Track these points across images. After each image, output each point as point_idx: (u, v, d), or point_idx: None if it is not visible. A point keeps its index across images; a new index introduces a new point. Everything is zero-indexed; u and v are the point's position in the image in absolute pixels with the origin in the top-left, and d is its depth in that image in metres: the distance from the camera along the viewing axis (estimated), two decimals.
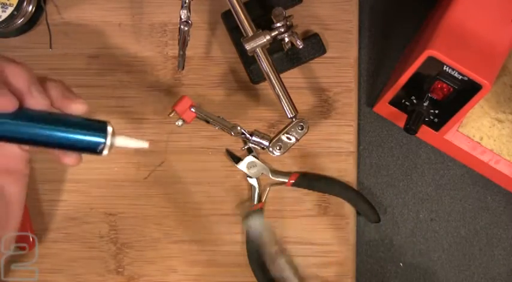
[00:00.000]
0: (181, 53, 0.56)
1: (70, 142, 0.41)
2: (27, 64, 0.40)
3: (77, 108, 0.41)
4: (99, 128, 0.42)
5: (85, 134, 0.41)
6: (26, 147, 0.44)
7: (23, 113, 0.40)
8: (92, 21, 0.61)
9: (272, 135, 0.56)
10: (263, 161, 0.61)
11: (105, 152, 0.42)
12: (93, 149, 0.42)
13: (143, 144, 0.44)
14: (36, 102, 0.39)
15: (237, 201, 0.61)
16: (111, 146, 0.42)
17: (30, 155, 0.45)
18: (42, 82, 0.40)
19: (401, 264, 0.63)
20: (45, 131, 0.40)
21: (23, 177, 0.45)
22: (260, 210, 0.46)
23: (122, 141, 0.43)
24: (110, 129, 0.42)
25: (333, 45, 0.61)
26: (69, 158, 0.43)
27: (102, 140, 0.41)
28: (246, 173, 0.60)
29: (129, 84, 0.61)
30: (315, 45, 0.60)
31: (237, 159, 0.60)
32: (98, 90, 0.61)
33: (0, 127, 0.39)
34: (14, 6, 0.58)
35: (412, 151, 0.63)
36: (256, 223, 0.46)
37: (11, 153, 0.43)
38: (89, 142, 0.41)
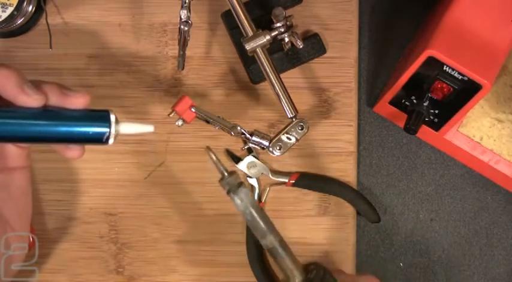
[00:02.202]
0: (181, 53, 0.56)
1: (74, 136, 0.41)
2: (15, 66, 0.40)
3: (78, 102, 0.41)
4: (102, 117, 0.41)
5: (88, 126, 0.41)
6: (23, 144, 0.44)
7: (22, 113, 0.40)
8: (92, 21, 0.61)
9: (272, 135, 0.56)
10: (263, 161, 0.61)
11: (111, 140, 0.42)
12: (99, 140, 0.41)
13: (148, 128, 0.43)
14: (32, 99, 0.39)
15: None
16: (116, 134, 0.42)
17: (29, 149, 0.45)
18: (36, 84, 0.40)
19: (401, 264, 0.63)
20: (47, 128, 0.40)
21: (25, 171, 0.46)
22: (244, 186, 0.46)
23: (126, 128, 0.42)
24: (112, 117, 0.42)
25: (333, 45, 0.61)
26: (72, 152, 0.43)
27: (106, 129, 0.41)
28: (246, 173, 0.60)
29: (129, 84, 0.61)
30: (315, 45, 0.60)
31: (237, 159, 0.60)
32: (98, 90, 0.61)
33: (1, 128, 0.39)
34: (14, 6, 0.58)
35: (412, 151, 0.63)
36: (242, 199, 0.46)
37: (10, 154, 0.44)
38: (93, 133, 0.41)
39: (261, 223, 0.46)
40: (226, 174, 0.46)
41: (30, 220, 0.48)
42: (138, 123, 0.43)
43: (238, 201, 0.45)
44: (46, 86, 0.41)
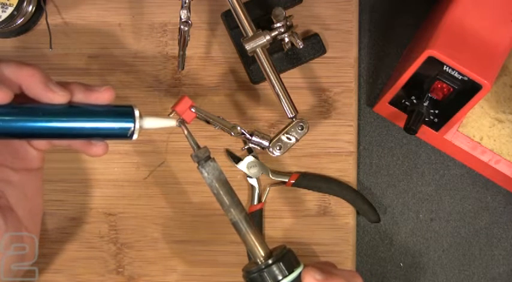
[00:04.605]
0: (181, 53, 0.56)
1: (100, 131, 0.42)
2: (38, 65, 0.40)
3: (103, 97, 0.42)
4: (126, 112, 0.42)
5: (113, 121, 0.42)
6: (42, 147, 0.45)
7: (49, 109, 0.40)
8: (92, 21, 0.61)
9: (272, 135, 0.56)
10: (263, 161, 0.61)
11: (135, 135, 0.43)
12: (124, 135, 0.42)
13: (171, 123, 0.45)
14: (58, 95, 0.40)
15: None
16: (140, 128, 0.42)
17: (45, 152, 0.46)
18: (60, 83, 0.41)
19: (401, 264, 0.63)
20: (74, 123, 0.41)
21: (40, 172, 0.47)
22: (212, 159, 0.47)
23: (150, 123, 0.43)
24: (137, 112, 0.43)
25: (333, 45, 0.61)
26: (96, 148, 0.44)
27: (130, 125, 0.42)
28: (246, 173, 0.60)
29: (129, 84, 0.61)
30: (315, 45, 0.60)
31: (237, 159, 0.60)
32: None
33: (27, 124, 0.40)
34: (14, 6, 0.58)
35: (412, 151, 0.63)
36: (209, 173, 0.47)
37: (29, 155, 0.45)
38: (118, 128, 0.42)
39: (225, 197, 0.47)
40: (196, 148, 0.46)
41: (41, 221, 0.49)
42: (161, 118, 0.44)
43: (205, 174, 0.47)
44: (70, 84, 0.42)
